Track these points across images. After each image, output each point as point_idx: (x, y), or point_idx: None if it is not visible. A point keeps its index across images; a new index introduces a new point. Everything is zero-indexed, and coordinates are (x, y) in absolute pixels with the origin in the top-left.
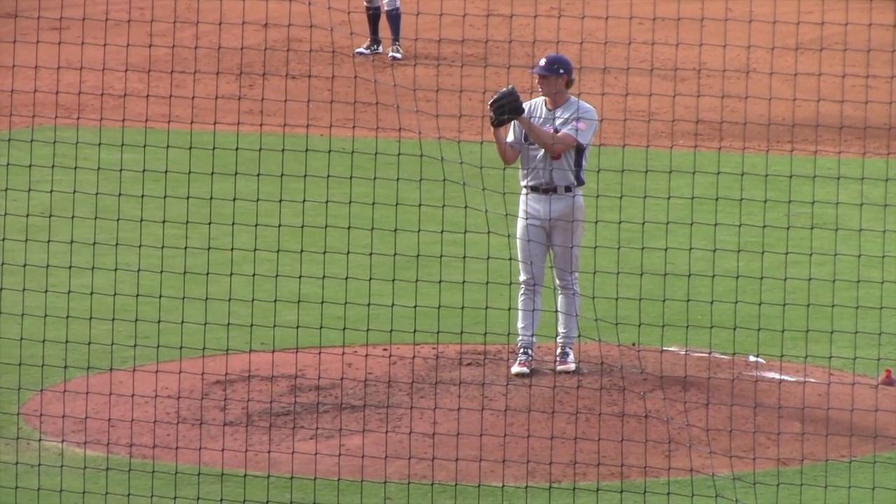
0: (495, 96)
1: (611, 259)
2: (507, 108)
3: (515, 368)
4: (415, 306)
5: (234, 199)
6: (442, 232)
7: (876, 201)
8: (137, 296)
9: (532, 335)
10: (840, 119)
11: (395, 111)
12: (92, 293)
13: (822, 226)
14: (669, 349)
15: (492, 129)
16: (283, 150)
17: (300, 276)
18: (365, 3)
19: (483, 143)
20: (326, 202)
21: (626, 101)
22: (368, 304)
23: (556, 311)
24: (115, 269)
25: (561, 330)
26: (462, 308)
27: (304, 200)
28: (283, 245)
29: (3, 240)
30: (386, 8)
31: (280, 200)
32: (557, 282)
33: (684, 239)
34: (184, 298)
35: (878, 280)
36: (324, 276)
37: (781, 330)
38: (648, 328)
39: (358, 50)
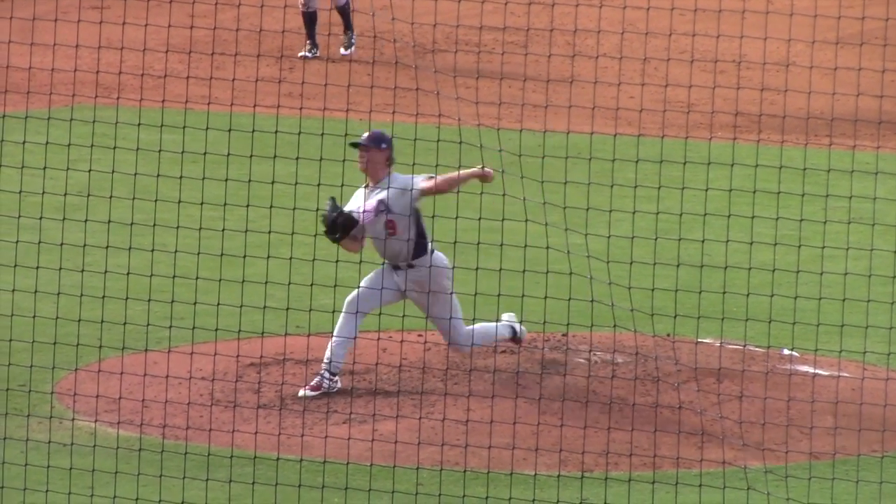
0: (323, 221)
1: (647, 249)
2: (339, 227)
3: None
4: (451, 293)
5: (273, 182)
6: (479, 219)
7: None
8: (174, 277)
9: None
10: (879, 114)
11: (434, 97)
12: (128, 273)
13: (859, 220)
14: (704, 341)
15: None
16: (322, 134)
17: (337, 261)
18: (300, 5)
19: (522, 131)
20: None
21: (665, 92)
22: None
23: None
24: (152, 250)
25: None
26: (498, 295)
27: (343, 185)
28: (320, 229)
29: (41, 218)
30: (336, 4)
31: (318, 184)
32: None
33: (721, 231)
34: (220, 280)
35: None
36: (361, 261)
37: (816, 324)
38: (684, 319)
39: (301, 54)
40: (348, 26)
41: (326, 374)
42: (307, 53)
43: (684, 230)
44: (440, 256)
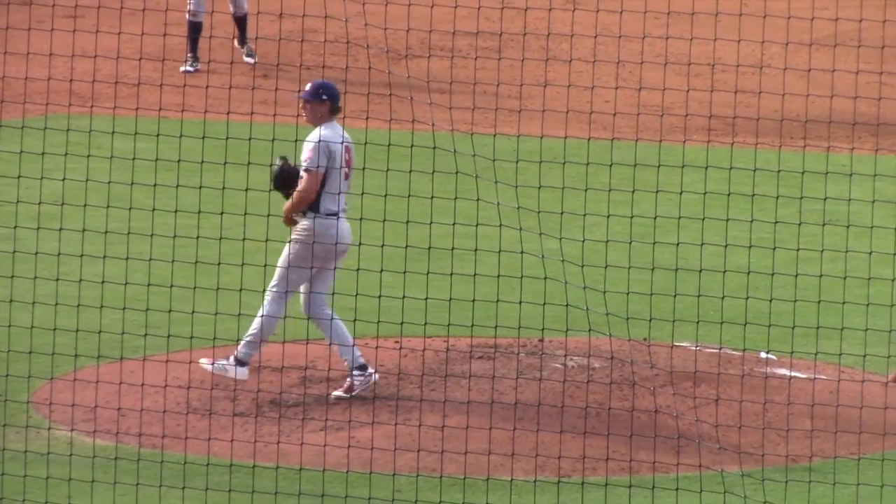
0: (274, 177)
1: (622, 254)
2: (279, 179)
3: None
4: (426, 299)
5: (247, 189)
6: (454, 224)
7: (889, 198)
8: (149, 285)
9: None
10: (853, 116)
11: (408, 103)
12: (103, 282)
13: (834, 222)
14: (680, 344)
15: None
16: (296, 141)
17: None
18: (188, 16)
19: (496, 135)
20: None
21: (639, 96)
22: (379, 296)
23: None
24: (127, 259)
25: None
26: (473, 301)
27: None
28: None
29: (16, 227)
30: (236, 14)
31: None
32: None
33: (696, 234)
34: (195, 288)
35: (890, 277)
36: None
37: (792, 326)
38: (659, 323)
39: (182, 68)
40: (243, 37)
41: (357, 374)
42: (189, 68)
43: (659, 234)
44: (320, 229)
